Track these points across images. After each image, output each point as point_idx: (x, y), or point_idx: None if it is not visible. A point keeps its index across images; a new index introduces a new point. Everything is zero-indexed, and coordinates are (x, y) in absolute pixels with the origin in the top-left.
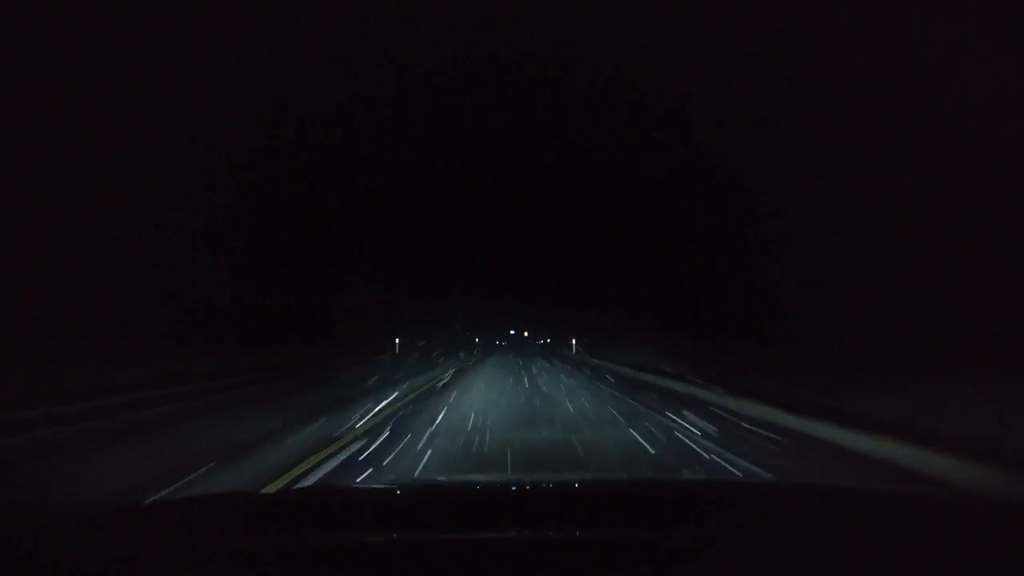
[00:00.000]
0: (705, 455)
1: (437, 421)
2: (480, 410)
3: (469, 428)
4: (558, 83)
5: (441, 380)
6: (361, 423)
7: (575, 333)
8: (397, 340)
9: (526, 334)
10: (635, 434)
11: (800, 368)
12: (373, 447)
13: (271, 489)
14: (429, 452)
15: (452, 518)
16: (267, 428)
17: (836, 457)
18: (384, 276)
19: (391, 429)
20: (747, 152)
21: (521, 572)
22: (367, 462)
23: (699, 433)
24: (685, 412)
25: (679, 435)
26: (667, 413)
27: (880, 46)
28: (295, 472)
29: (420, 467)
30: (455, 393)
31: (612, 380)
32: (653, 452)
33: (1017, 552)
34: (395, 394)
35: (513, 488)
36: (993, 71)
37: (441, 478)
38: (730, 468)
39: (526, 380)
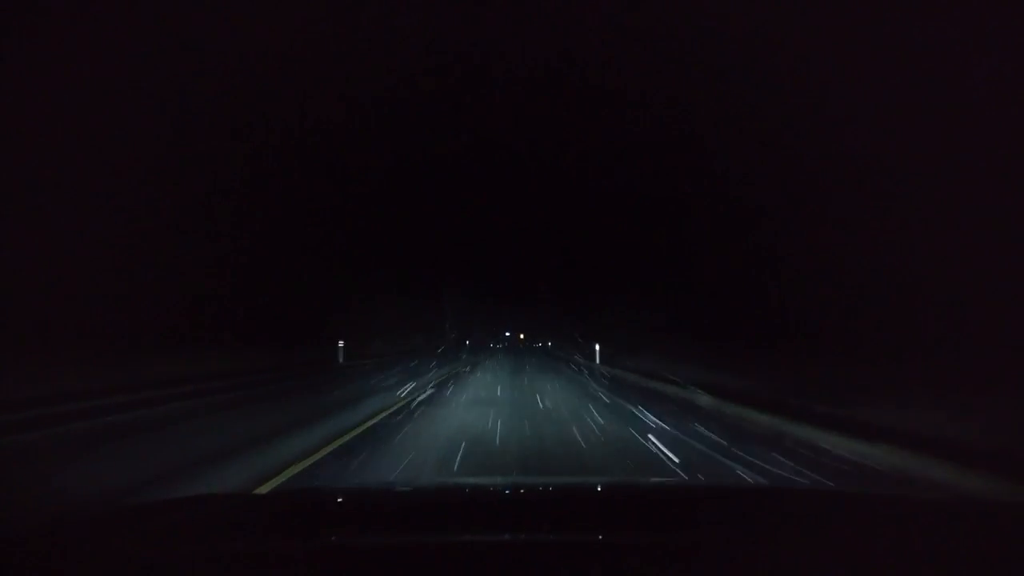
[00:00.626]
0: None
1: None
2: None
3: None
4: (558, 80)
5: None
6: None
7: (575, 335)
8: (341, 345)
9: (522, 336)
10: None
11: None
12: None
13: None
14: None
15: (445, 521)
16: None
17: None
18: (379, 277)
19: None
20: (747, 148)
21: (514, 574)
22: None
23: None
24: None
25: None
26: None
27: (880, 43)
28: None
29: None
30: None
31: None
32: None
33: (1017, 555)
34: None
35: (507, 492)
36: (993, 71)
37: (436, 480)
38: None
39: None
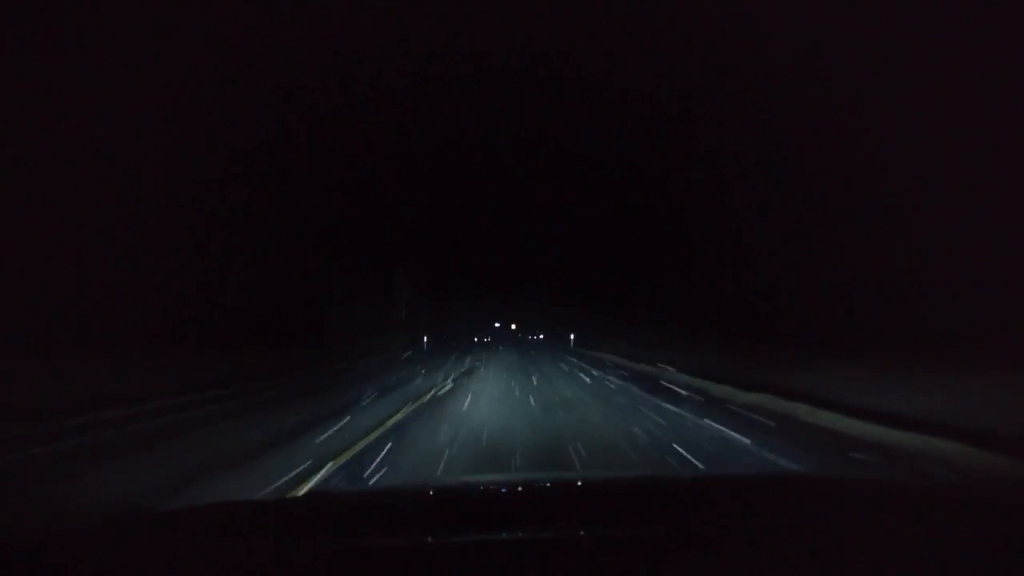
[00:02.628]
0: None
1: None
2: None
3: None
4: (542, 73)
5: None
6: None
7: (564, 326)
8: None
9: (513, 327)
10: None
11: None
12: None
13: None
14: None
15: (455, 520)
16: None
17: None
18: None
19: None
20: (732, 140)
21: (525, 573)
22: None
23: None
24: None
25: None
26: None
27: (873, 43)
28: None
29: None
30: None
31: None
32: None
33: (1016, 540)
34: None
35: (517, 489)
36: (986, 70)
37: (445, 480)
38: None
39: None
